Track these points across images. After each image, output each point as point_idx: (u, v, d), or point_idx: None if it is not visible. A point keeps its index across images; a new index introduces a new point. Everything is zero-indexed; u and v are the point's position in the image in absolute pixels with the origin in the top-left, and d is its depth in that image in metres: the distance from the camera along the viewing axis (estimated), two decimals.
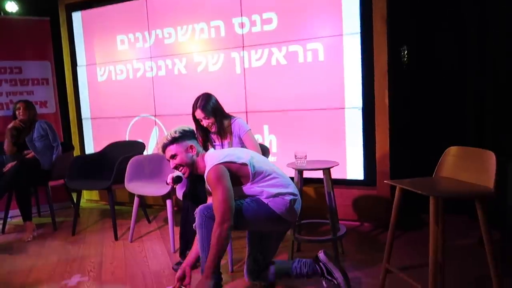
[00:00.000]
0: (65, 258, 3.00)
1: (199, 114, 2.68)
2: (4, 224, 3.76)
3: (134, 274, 2.65)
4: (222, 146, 2.78)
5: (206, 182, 2.09)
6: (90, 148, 4.72)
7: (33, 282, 2.61)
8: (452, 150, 1.99)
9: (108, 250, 3.12)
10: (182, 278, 2.06)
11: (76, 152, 4.59)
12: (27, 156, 3.72)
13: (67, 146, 4.17)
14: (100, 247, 3.20)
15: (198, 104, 2.68)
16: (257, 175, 2.13)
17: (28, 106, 3.75)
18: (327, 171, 2.64)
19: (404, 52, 3.45)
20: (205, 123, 2.70)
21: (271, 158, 3.48)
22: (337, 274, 2.19)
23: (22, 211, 3.50)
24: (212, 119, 2.68)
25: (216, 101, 2.74)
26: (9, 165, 3.63)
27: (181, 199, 2.77)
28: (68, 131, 4.80)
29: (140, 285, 2.48)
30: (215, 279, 1.96)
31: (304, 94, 3.50)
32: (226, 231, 1.94)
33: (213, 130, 2.72)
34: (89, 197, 4.76)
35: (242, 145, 2.74)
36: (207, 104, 2.67)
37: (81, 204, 4.48)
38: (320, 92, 3.44)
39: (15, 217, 3.92)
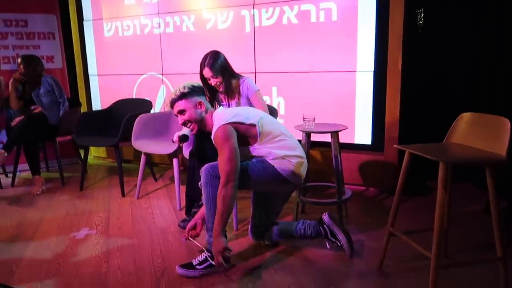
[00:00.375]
0: (73, 212, 3.06)
1: (207, 72, 2.62)
2: (13, 178, 3.81)
3: (140, 229, 2.70)
4: (229, 106, 2.74)
5: (213, 141, 2.09)
6: (97, 104, 4.70)
7: (43, 234, 2.67)
8: (465, 116, 1.94)
9: (115, 206, 3.17)
10: (192, 228, 2.24)
11: (83, 109, 4.58)
12: (35, 111, 3.72)
13: (74, 102, 4.16)
14: (107, 202, 3.26)
15: (206, 62, 2.61)
16: (265, 136, 2.11)
17: (26, 60, 3.67)
18: (335, 134, 2.61)
19: (420, 15, 3.31)
20: (213, 82, 2.64)
21: (278, 120, 3.44)
22: (341, 236, 2.22)
23: (31, 165, 3.54)
24: (220, 78, 2.62)
25: (225, 59, 2.67)
26: (17, 119, 3.64)
27: (187, 158, 2.77)
28: (75, 87, 4.76)
29: (146, 240, 2.53)
30: (225, 236, 2.08)
31: (315, 56, 3.40)
32: (231, 190, 1.96)
33: (220, 89, 2.67)
34: (96, 154, 4.80)
35: (250, 105, 2.70)
36: (215, 62, 2.61)
37: (88, 161, 4.52)
38: (331, 54, 3.34)
39: (24, 171, 3.97)
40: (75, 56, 4.68)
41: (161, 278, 2.06)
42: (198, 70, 2.68)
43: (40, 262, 2.26)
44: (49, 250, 2.42)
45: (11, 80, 3.67)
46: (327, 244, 2.29)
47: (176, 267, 2.11)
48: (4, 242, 2.56)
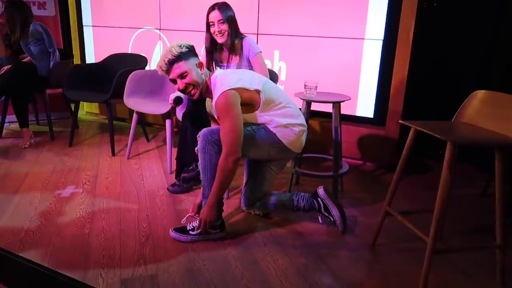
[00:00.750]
0: (60, 168, 2.96)
1: (215, 15, 2.44)
2: (1, 129, 3.68)
3: (128, 191, 2.61)
4: (227, 68, 2.58)
5: (214, 107, 1.94)
6: (91, 57, 4.50)
7: (27, 188, 2.58)
8: (479, 94, 1.81)
9: (104, 165, 3.06)
10: (200, 207, 2.13)
11: (76, 61, 4.38)
12: (24, 60, 3.54)
13: (66, 53, 3.96)
14: (96, 161, 3.15)
15: (217, 6, 2.46)
16: (268, 103, 1.99)
17: (8, 6, 3.42)
18: (337, 105, 2.48)
19: None
20: (217, 28, 2.46)
21: (278, 87, 3.28)
22: (335, 212, 2.14)
23: (18, 117, 3.40)
24: (226, 26, 2.46)
25: (234, 14, 2.53)
26: (5, 68, 3.46)
27: (181, 120, 2.64)
28: (68, 37, 4.53)
29: (133, 202, 2.44)
30: (219, 209, 2.00)
31: (321, 20, 3.20)
32: (232, 163, 1.87)
33: (221, 40, 2.49)
34: (89, 110, 4.65)
35: (250, 68, 2.55)
36: (227, 10, 2.47)
37: (80, 116, 4.41)
38: (339, 20, 3.14)
39: (13, 122, 3.83)
40: (69, 3, 4.42)
41: (145, 243, 1.99)
42: (199, 27, 2.51)
43: (22, 219, 2.18)
44: (32, 206, 2.33)
45: None
46: (320, 219, 2.22)
47: (170, 230, 2.05)
48: None
